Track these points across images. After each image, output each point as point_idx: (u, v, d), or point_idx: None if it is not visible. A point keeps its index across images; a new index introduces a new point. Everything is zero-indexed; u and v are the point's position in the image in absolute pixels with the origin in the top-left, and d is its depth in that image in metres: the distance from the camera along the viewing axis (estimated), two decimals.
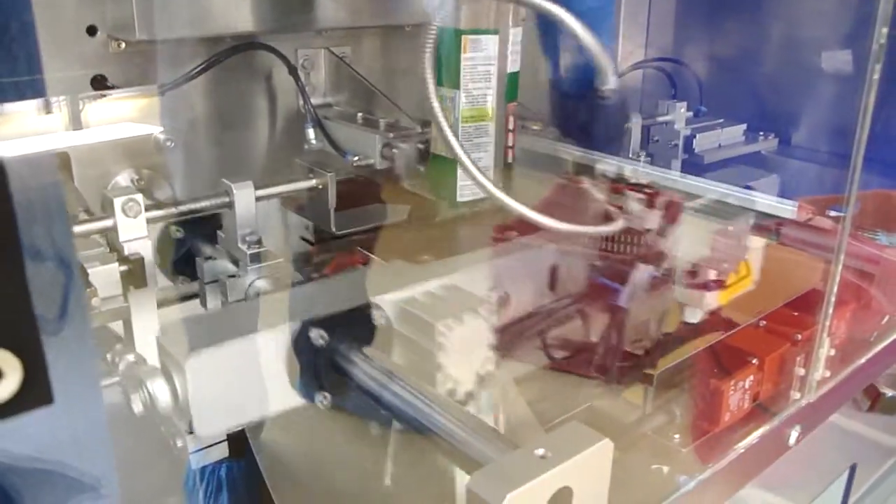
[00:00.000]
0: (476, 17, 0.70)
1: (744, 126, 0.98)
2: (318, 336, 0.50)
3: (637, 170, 0.83)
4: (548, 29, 0.79)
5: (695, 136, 0.93)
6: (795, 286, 0.79)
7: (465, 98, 0.72)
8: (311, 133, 0.86)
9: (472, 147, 0.73)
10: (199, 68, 0.78)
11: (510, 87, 0.74)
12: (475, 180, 0.58)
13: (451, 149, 0.62)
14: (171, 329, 0.49)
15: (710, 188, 0.77)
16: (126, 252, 0.59)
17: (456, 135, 0.74)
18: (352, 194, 0.77)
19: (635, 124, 0.92)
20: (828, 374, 0.62)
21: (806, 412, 0.60)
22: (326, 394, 0.52)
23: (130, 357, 0.52)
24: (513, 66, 0.73)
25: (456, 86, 0.71)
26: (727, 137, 0.97)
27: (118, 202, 0.59)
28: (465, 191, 0.75)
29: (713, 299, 0.70)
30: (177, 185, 0.79)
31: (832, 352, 0.62)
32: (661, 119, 0.96)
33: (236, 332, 0.48)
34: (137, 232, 0.60)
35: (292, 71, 0.85)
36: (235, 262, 0.67)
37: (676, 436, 0.56)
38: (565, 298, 0.64)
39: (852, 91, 1.01)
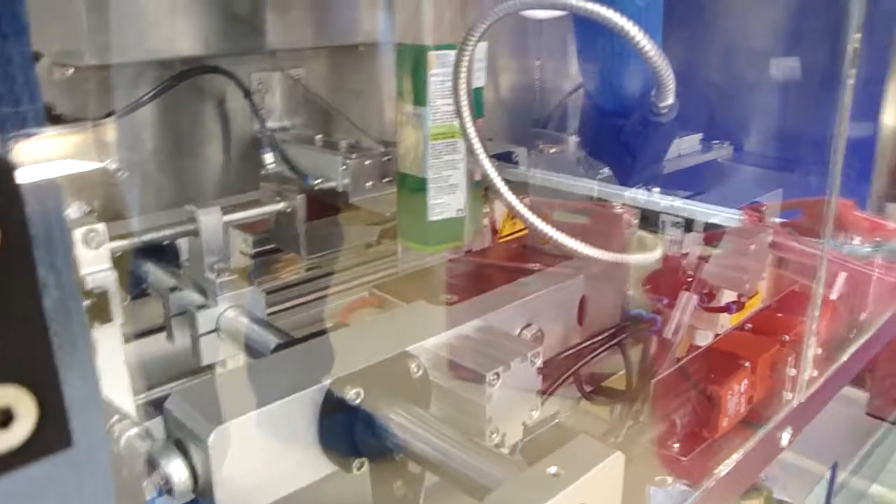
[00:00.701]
0: (441, 33, 0.69)
1: (700, 135, 1.00)
2: (353, 395, 0.45)
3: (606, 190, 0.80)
4: (585, 38, 0.75)
5: None
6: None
7: (434, 115, 0.70)
8: (268, 157, 0.84)
9: (443, 165, 0.72)
10: (150, 94, 0.74)
11: (476, 103, 0.73)
12: (505, 200, 0.55)
13: (485, 172, 0.59)
14: (182, 396, 0.43)
15: (653, 200, 0.77)
16: (89, 286, 0.56)
17: (425, 153, 0.73)
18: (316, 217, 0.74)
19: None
20: (815, 373, 0.62)
21: (797, 413, 0.60)
22: (363, 459, 0.46)
23: (133, 431, 0.45)
24: (478, 81, 0.72)
25: (423, 103, 0.70)
26: (685, 147, 0.98)
27: (78, 233, 0.55)
28: (437, 210, 0.73)
29: (727, 320, 0.67)
30: (131, 215, 0.75)
31: (819, 351, 0.62)
32: None
33: (262, 397, 0.43)
34: (100, 264, 0.56)
35: (247, 94, 0.82)
36: (203, 292, 0.64)
37: (676, 445, 0.55)
38: (600, 333, 0.60)
39: (803, 97, 1.05)
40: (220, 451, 0.40)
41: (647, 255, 0.60)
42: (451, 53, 0.69)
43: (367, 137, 0.82)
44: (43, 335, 0.21)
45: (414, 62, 0.69)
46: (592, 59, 0.74)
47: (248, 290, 0.64)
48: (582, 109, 0.81)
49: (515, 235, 0.84)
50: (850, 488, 1.03)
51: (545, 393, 0.54)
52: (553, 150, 0.84)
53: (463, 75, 0.58)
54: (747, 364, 0.57)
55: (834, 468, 0.93)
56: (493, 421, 0.49)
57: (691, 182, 0.96)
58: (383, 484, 0.47)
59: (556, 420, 0.55)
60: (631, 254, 0.59)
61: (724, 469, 0.53)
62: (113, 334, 0.57)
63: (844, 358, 0.68)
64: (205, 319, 0.62)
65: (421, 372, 0.48)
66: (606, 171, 0.82)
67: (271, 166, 0.84)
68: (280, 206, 0.70)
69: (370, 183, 0.80)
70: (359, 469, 0.46)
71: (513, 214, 0.57)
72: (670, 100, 0.60)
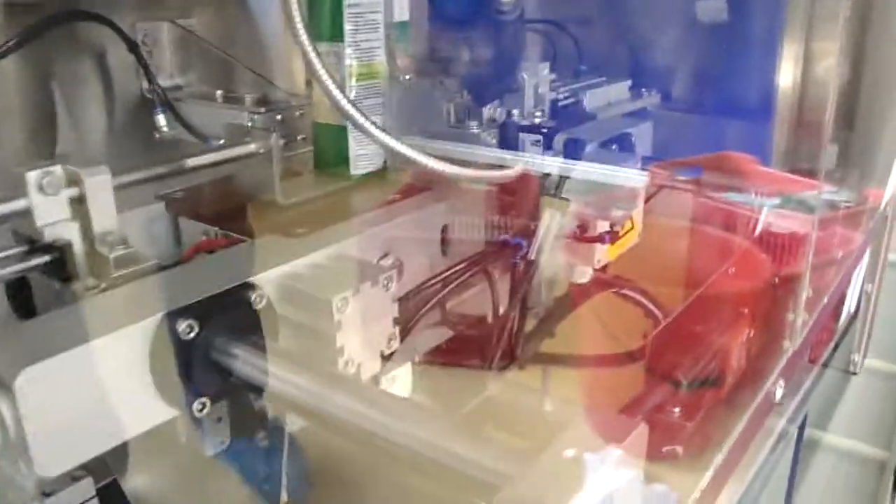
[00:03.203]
0: None
1: (628, 82, 0.95)
2: (186, 328, 0.41)
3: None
4: None
5: (584, 96, 0.88)
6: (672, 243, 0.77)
7: (353, 52, 0.62)
8: (161, 119, 0.73)
9: (366, 110, 0.63)
10: (10, 43, 0.62)
11: (401, 39, 0.65)
12: (378, 140, 0.49)
13: (343, 111, 0.52)
14: None
15: (549, 164, 0.71)
16: (47, 239, 0.48)
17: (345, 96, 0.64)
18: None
19: (529, 78, 0.83)
20: (806, 316, 0.58)
21: (789, 364, 0.55)
22: (205, 399, 0.43)
23: None
24: (401, 14, 0.64)
25: (339, 37, 0.61)
26: (614, 95, 0.93)
27: (32, 177, 0.48)
28: (361, 161, 0.65)
29: (603, 254, 0.64)
30: None
31: (810, 293, 0.58)
32: None
33: (80, 336, 0.38)
34: (60, 213, 0.49)
35: (132, 47, 0.71)
36: (94, 273, 0.53)
37: (676, 410, 0.49)
38: (464, 261, 0.56)
39: (729, 41, 1.01)
40: (31, 397, 0.35)
41: (505, 172, 0.56)
42: None
43: (275, 88, 0.72)
44: None
45: None
46: None
47: (148, 264, 0.54)
48: (431, 26, 0.72)
49: None
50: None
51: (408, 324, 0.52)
52: (408, 77, 0.73)
53: None
54: (746, 311, 0.52)
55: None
56: (346, 351, 0.46)
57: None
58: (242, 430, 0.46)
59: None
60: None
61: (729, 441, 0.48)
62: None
63: (825, 300, 0.64)
64: None
65: (264, 302, 0.45)
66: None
67: (165, 129, 0.73)
68: (251, 147, 0.61)
69: (283, 140, 0.71)
70: (200, 411, 0.43)
71: None
72: None
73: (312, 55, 0.49)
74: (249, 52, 0.81)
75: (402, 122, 0.68)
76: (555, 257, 0.63)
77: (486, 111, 0.69)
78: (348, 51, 0.61)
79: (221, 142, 0.72)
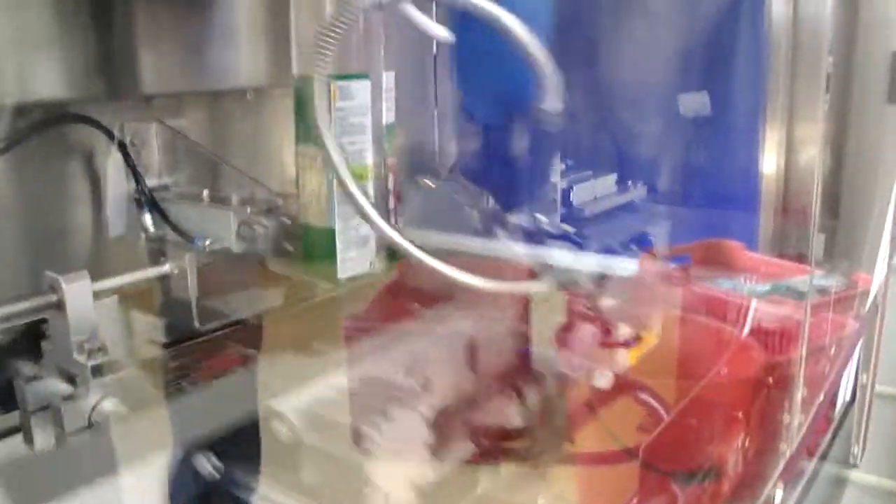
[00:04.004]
0: (342, 61, 0.61)
1: (615, 176, 0.96)
2: (206, 465, 0.38)
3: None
4: (460, 36, 0.63)
5: (572, 189, 0.88)
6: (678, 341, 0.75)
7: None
8: (147, 219, 0.73)
9: (353, 213, 0.63)
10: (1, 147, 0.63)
11: (387, 140, 0.65)
12: (392, 240, 0.48)
13: (361, 210, 0.52)
14: None
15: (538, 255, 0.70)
16: None
17: (331, 200, 0.64)
18: (212, 283, 0.64)
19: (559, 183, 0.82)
20: (802, 418, 0.57)
21: (787, 467, 0.54)
22: None
23: None
24: (388, 116, 0.65)
25: None
26: (601, 188, 0.94)
27: None
28: (348, 264, 0.64)
29: (625, 359, 0.63)
30: None
31: (805, 392, 0.57)
32: None
33: (86, 476, 0.37)
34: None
35: (121, 147, 0.71)
36: (71, 380, 0.52)
37: None
38: (493, 377, 0.54)
39: (712, 132, 1.03)
40: None
41: (538, 283, 0.54)
42: (358, 84, 0.61)
43: (262, 188, 0.72)
44: None
45: (311, 95, 0.61)
46: (467, 62, 0.65)
47: (126, 373, 0.53)
48: (462, 129, 0.73)
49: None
50: None
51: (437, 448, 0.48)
52: (429, 182, 0.73)
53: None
54: (740, 415, 0.51)
55: None
56: (375, 481, 0.43)
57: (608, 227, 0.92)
58: None
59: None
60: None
61: None
62: None
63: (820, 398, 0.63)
64: (74, 413, 0.50)
65: (288, 431, 0.43)
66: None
67: (151, 230, 0.73)
68: (165, 268, 0.59)
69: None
70: None
71: None
72: (553, 102, 0.53)
73: (338, 161, 0.49)
74: (241, 151, 0.81)
75: (422, 226, 0.67)
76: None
77: (514, 217, 0.68)
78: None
79: (208, 242, 0.72)
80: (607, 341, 0.62)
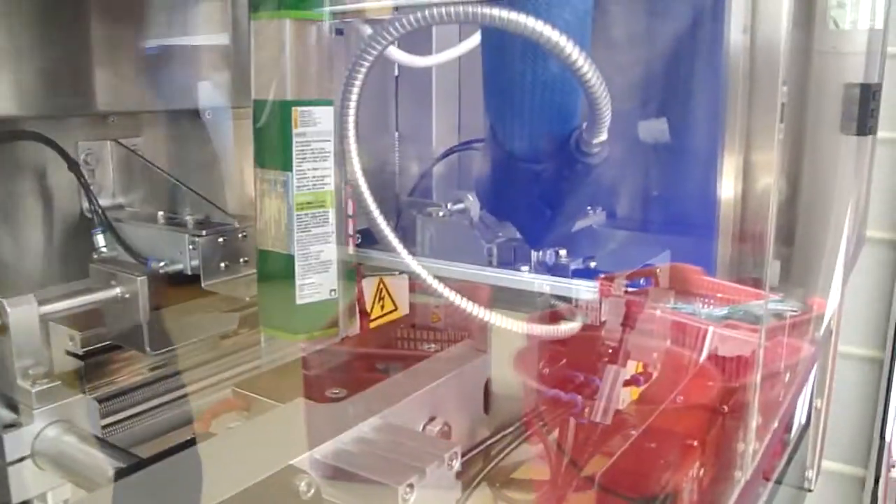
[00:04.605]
0: (306, 86, 0.61)
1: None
2: None
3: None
4: (495, 66, 0.62)
5: None
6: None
7: (299, 181, 0.61)
8: (100, 239, 0.71)
9: (312, 239, 0.62)
10: None
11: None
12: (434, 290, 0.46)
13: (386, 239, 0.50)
14: None
15: (497, 277, 0.69)
16: None
17: (290, 226, 0.63)
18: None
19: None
20: (757, 445, 0.57)
21: (742, 494, 0.54)
22: None
23: None
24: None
25: (286, 167, 0.61)
26: None
27: None
28: (306, 291, 0.63)
29: (627, 395, 0.61)
30: None
31: (759, 420, 0.57)
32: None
33: None
34: None
35: (73, 166, 0.70)
36: (13, 407, 0.50)
37: None
38: (517, 423, 0.51)
39: (672, 159, 1.04)
40: None
41: (567, 326, 0.53)
42: (317, 110, 0.61)
43: (218, 211, 0.71)
44: None
45: (275, 120, 0.61)
46: (503, 93, 0.61)
47: (75, 399, 0.51)
48: (485, 159, 0.68)
49: (388, 317, 0.75)
50: None
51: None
52: (442, 214, 0.73)
53: (351, 117, 0.49)
54: (695, 443, 0.51)
55: None
56: None
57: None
58: None
59: None
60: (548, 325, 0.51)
61: None
62: None
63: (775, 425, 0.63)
64: (15, 443, 0.48)
65: (312, 491, 0.38)
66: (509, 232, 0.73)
67: (104, 250, 0.71)
68: (115, 291, 0.58)
69: (224, 264, 0.69)
70: None
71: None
72: (604, 135, 0.51)
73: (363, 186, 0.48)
74: (198, 172, 0.80)
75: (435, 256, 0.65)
76: None
77: (537, 254, 0.67)
78: (294, 180, 0.61)
79: (162, 263, 0.70)
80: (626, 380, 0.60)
